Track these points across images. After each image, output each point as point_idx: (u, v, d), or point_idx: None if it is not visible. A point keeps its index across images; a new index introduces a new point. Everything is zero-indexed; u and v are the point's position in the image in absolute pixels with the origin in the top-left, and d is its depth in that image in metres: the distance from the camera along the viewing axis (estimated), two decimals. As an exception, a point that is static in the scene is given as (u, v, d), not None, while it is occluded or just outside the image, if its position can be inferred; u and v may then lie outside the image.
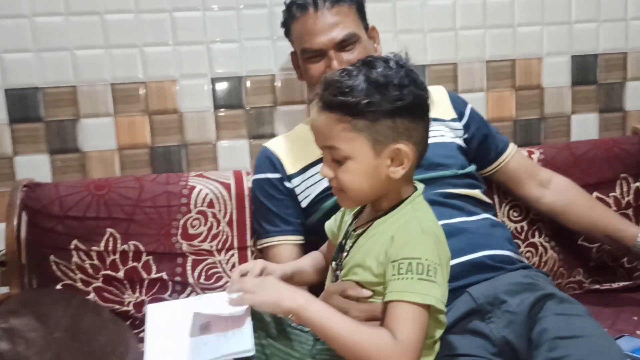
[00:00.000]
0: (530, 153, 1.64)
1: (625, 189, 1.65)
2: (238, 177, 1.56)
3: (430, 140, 1.03)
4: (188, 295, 1.49)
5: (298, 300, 0.93)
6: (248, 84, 1.68)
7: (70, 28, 1.58)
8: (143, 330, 1.45)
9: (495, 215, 1.40)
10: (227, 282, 1.51)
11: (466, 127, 1.50)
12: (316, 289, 1.15)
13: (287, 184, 1.44)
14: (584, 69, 1.82)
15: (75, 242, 1.45)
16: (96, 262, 1.46)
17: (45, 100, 1.60)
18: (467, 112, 1.52)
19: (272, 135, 1.67)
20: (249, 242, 1.53)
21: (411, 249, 0.94)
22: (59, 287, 1.45)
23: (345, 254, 1.05)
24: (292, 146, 1.47)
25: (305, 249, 1.44)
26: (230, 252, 1.52)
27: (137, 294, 1.48)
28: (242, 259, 1.53)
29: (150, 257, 1.48)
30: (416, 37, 1.73)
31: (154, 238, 1.48)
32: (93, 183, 1.50)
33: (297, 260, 1.23)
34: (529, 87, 1.81)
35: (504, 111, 1.80)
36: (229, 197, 1.52)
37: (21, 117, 1.59)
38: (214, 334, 0.97)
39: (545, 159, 1.64)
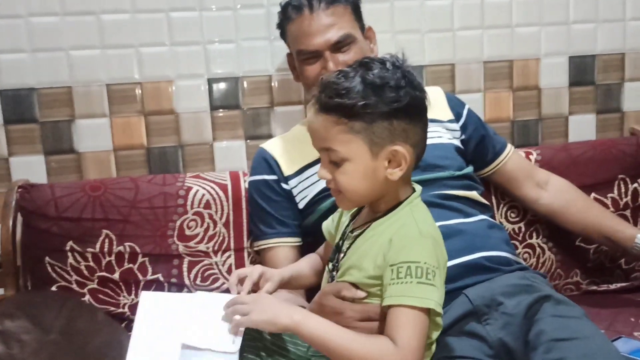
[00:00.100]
0: (528, 154, 1.64)
1: (623, 190, 1.65)
2: (235, 178, 1.55)
3: (427, 142, 1.02)
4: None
5: (294, 317, 0.92)
6: (245, 84, 1.67)
7: (66, 28, 1.57)
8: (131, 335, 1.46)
9: (493, 216, 1.40)
10: (223, 284, 1.51)
11: (463, 128, 1.50)
12: (314, 291, 1.14)
13: (283, 186, 1.43)
14: (582, 70, 1.82)
15: (70, 243, 1.44)
16: (91, 263, 1.45)
17: (41, 100, 1.59)
18: (465, 113, 1.52)
19: (269, 136, 1.67)
20: (246, 244, 1.52)
21: (410, 252, 0.93)
22: (54, 288, 1.45)
23: (342, 255, 1.05)
24: (288, 147, 1.47)
25: (303, 250, 1.43)
26: (227, 254, 1.51)
27: (132, 296, 1.47)
28: (239, 261, 1.52)
29: (146, 259, 1.47)
30: (414, 37, 1.72)
31: (150, 239, 1.47)
32: (88, 184, 1.49)
33: (295, 264, 1.22)
34: (526, 88, 1.80)
35: (502, 112, 1.80)
36: (225, 198, 1.51)
37: (16, 117, 1.58)
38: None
39: (543, 159, 1.63)
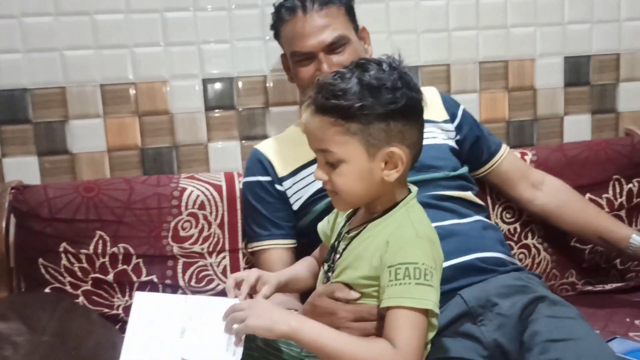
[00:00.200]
0: (523, 154, 1.64)
1: (618, 190, 1.65)
2: (229, 178, 1.54)
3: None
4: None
5: (291, 323, 0.92)
6: (240, 84, 1.67)
7: (60, 28, 1.56)
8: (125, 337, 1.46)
9: (488, 216, 1.40)
10: (218, 285, 1.50)
11: (458, 129, 1.50)
12: (308, 294, 1.13)
13: (278, 187, 1.43)
14: (577, 70, 1.82)
15: (64, 244, 1.43)
16: (85, 265, 1.44)
17: (34, 101, 1.58)
18: (460, 113, 1.52)
19: (263, 137, 1.66)
20: (241, 245, 1.52)
21: (407, 253, 0.93)
22: (47, 290, 1.44)
23: (337, 255, 1.05)
24: (283, 148, 1.46)
25: (297, 251, 1.43)
26: (222, 255, 1.51)
27: (126, 298, 1.46)
28: (234, 262, 1.51)
29: (140, 260, 1.46)
30: (409, 37, 1.72)
31: (144, 240, 1.47)
32: (82, 185, 1.48)
33: (291, 267, 1.22)
34: (521, 88, 1.80)
35: (497, 112, 1.80)
36: (220, 199, 1.51)
37: (9, 118, 1.57)
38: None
39: (538, 160, 1.63)
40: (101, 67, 1.60)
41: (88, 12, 1.57)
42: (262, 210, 1.43)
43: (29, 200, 1.43)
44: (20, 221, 1.44)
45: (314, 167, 1.36)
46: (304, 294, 1.18)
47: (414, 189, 1.04)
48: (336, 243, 1.07)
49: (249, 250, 1.48)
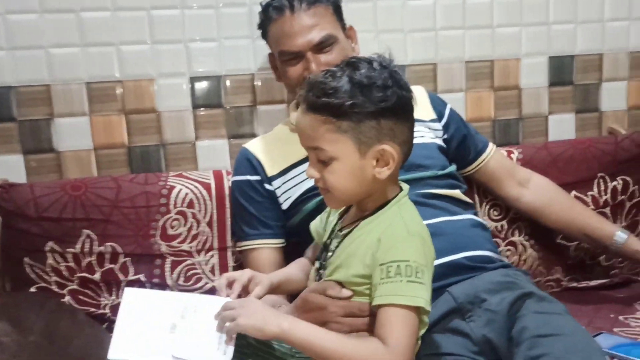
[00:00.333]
0: (509, 153, 1.65)
1: (602, 187, 1.67)
2: (218, 177, 1.54)
3: None
4: (167, 297, 1.47)
5: (282, 324, 0.92)
6: (227, 83, 1.66)
7: (45, 26, 1.55)
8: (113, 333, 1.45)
9: (476, 214, 1.41)
10: (206, 284, 1.50)
11: (445, 128, 1.51)
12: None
13: (267, 186, 1.42)
14: (561, 70, 1.84)
15: (50, 244, 1.42)
16: (72, 264, 1.43)
17: (19, 99, 1.56)
18: (447, 112, 1.53)
19: (252, 135, 1.66)
20: (229, 243, 1.51)
21: (399, 251, 0.94)
22: (33, 290, 1.42)
23: (330, 253, 1.05)
24: (272, 147, 1.46)
25: (287, 251, 1.43)
26: (210, 253, 1.51)
27: (113, 297, 1.45)
28: (222, 260, 1.51)
29: (128, 259, 1.46)
30: (396, 37, 1.73)
31: (132, 239, 1.46)
32: (69, 183, 1.47)
33: (284, 269, 1.22)
34: (507, 88, 1.82)
35: (483, 111, 1.81)
36: (209, 197, 1.50)
37: (-6, 116, 1.56)
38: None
39: (524, 158, 1.65)
40: (87, 65, 1.58)
41: (74, 10, 1.56)
42: (251, 209, 1.43)
43: (15, 199, 1.42)
44: (5, 220, 1.43)
45: (303, 167, 1.39)
46: (295, 296, 1.18)
47: (405, 187, 1.05)
48: (328, 241, 1.07)
49: (238, 249, 1.48)
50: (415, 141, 1.03)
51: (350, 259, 1.00)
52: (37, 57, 1.55)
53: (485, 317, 1.12)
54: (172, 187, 1.49)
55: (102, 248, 1.44)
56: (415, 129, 1.04)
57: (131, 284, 1.45)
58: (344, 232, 1.04)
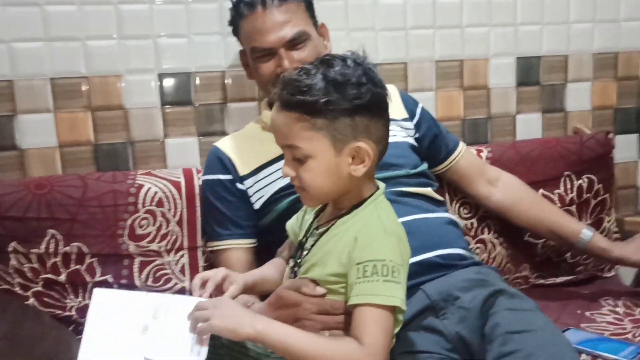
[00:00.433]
0: (479, 151, 1.67)
1: (568, 186, 1.70)
2: (188, 175, 1.51)
3: None
4: (135, 298, 1.44)
5: (257, 326, 0.91)
6: (197, 80, 1.64)
7: (8, 19, 1.49)
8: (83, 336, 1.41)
9: (448, 211, 1.42)
10: (176, 284, 1.47)
11: (417, 127, 1.51)
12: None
13: (239, 186, 1.41)
14: (528, 70, 1.87)
15: (13, 244, 1.37)
16: (36, 265, 1.39)
17: (-20, 94, 1.51)
18: (418, 111, 1.54)
19: (222, 133, 1.64)
20: (200, 243, 1.49)
21: (375, 250, 0.94)
22: (-5, 292, 1.38)
23: (305, 252, 1.04)
24: (243, 146, 1.44)
25: (258, 250, 1.42)
26: (180, 253, 1.48)
27: (80, 299, 1.42)
28: (193, 260, 1.49)
29: (95, 259, 1.42)
30: (367, 35, 1.73)
31: (99, 239, 1.42)
32: (33, 182, 1.43)
33: (259, 269, 1.20)
34: (476, 87, 1.84)
35: (453, 110, 1.83)
36: (179, 196, 1.48)
37: (-47, 112, 1.50)
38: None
39: (493, 157, 1.67)
40: (52, 60, 1.54)
41: (38, 3, 1.51)
42: (223, 209, 1.41)
43: (-24, 198, 1.37)
44: (-34, 220, 1.38)
45: (275, 166, 1.38)
46: (267, 296, 1.17)
47: (382, 185, 1.05)
48: (304, 240, 1.06)
49: (209, 249, 1.46)
50: (388, 140, 1.03)
51: (326, 257, 0.99)
52: (-2, 51, 1.50)
53: (459, 315, 1.13)
54: (141, 186, 1.46)
55: (67, 248, 1.40)
56: (388, 127, 1.03)
57: (98, 285, 1.41)
58: (321, 230, 1.03)
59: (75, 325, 1.40)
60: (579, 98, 1.93)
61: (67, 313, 1.41)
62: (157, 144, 1.63)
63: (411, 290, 1.14)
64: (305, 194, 1.00)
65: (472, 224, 1.64)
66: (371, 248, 0.94)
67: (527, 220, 1.56)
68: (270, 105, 1.47)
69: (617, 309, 1.47)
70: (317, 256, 1.01)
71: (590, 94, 1.93)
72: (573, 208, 1.70)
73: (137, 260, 1.45)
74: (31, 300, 1.39)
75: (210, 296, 1.02)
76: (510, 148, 1.71)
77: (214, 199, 1.42)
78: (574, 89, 1.92)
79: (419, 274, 1.18)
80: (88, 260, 1.42)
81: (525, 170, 1.66)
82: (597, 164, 1.72)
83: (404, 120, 1.49)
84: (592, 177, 1.72)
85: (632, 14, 1.92)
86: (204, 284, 1.03)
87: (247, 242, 1.41)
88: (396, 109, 1.49)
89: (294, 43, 1.37)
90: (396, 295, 0.93)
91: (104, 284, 1.42)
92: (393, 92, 1.51)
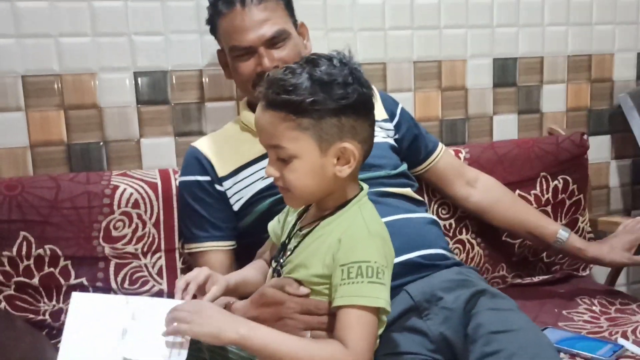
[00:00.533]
0: (457, 152, 1.68)
1: (544, 186, 1.73)
2: (165, 176, 1.48)
3: None
4: (111, 302, 1.41)
5: (240, 330, 0.90)
6: (174, 79, 1.61)
7: (-24, 14, 1.45)
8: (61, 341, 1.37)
9: (427, 212, 1.42)
10: (153, 287, 1.45)
11: (397, 127, 1.51)
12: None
13: (217, 187, 1.38)
14: (505, 72, 1.89)
15: (-17, 247, 1.33)
16: (7, 268, 1.35)
17: (-52, 92, 1.46)
18: (398, 112, 1.54)
19: (199, 133, 1.61)
20: (177, 244, 1.46)
21: (359, 252, 0.93)
22: (-36, 297, 1.33)
23: (289, 253, 1.03)
24: (222, 147, 1.42)
25: (238, 252, 1.40)
26: (157, 255, 1.45)
27: (54, 302, 1.38)
28: (170, 262, 1.46)
29: (69, 262, 1.38)
30: (346, 35, 1.73)
31: (73, 241, 1.39)
32: (3, 182, 1.38)
33: (241, 270, 1.19)
34: (454, 88, 1.85)
35: (431, 111, 1.84)
36: (155, 197, 1.45)
37: None
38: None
39: (471, 157, 1.68)
40: (23, 57, 1.50)
41: (8, -2, 1.47)
42: (201, 210, 1.38)
43: (-56, 200, 1.32)
44: None
45: (255, 167, 1.37)
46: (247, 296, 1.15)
47: (365, 186, 1.04)
48: (287, 241, 1.05)
49: (186, 251, 1.43)
50: (368, 141, 1.02)
51: (310, 258, 0.98)
52: (-33, 47, 1.46)
53: (442, 315, 1.13)
54: (116, 187, 1.43)
55: (40, 251, 1.36)
56: (370, 128, 1.02)
57: (73, 288, 1.38)
58: (304, 231, 1.02)
59: (49, 330, 1.37)
60: (554, 99, 1.96)
61: (41, 317, 1.37)
62: (132, 144, 1.60)
63: (394, 291, 1.13)
64: (290, 194, 0.98)
65: (450, 224, 1.64)
66: (356, 249, 0.94)
67: (505, 221, 1.58)
68: (249, 105, 1.46)
69: (593, 308, 1.50)
70: (301, 257, 1.00)
71: (565, 95, 1.96)
72: (549, 208, 1.72)
73: (113, 262, 1.42)
74: (3, 305, 1.34)
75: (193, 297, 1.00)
76: (488, 149, 1.72)
77: (192, 200, 1.40)
78: (549, 90, 1.95)
79: (401, 274, 1.18)
80: (62, 263, 1.38)
81: (502, 170, 1.68)
82: (572, 164, 1.75)
83: (384, 121, 1.48)
84: (568, 177, 1.74)
85: (604, 17, 1.95)
86: (187, 287, 1.01)
87: (226, 244, 1.39)
88: (376, 109, 1.46)
89: (274, 41, 1.35)
90: (381, 296, 0.93)
91: (79, 286, 1.39)
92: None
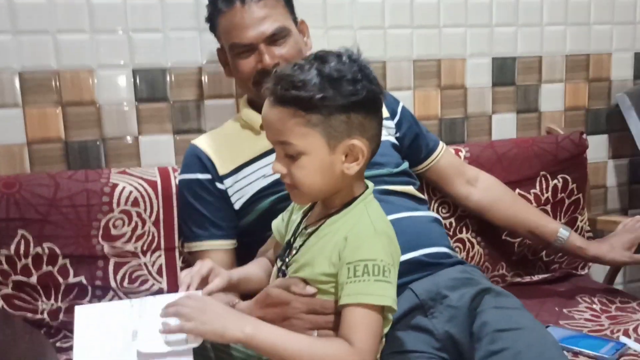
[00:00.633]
0: (457, 151, 1.68)
1: (544, 185, 1.73)
2: (164, 174, 1.47)
3: None
4: (110, 301, 1.39)
5: (245, 329, 0.89)
6: (172, 76, 1.60)
7: (-27, 10, 1.43)
8: (60, 339, 1.35)
9: (429, 209, 1.42)
10: (153, 286, 1.43)
11: (398, 126, 1.51)
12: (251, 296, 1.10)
13: (218, 185, 1.37)
14: (504, 71, 1.89)
15: (-20, 245, 1.31)
16: (5, 266, 1.33)
17: (-57, 88, 1.44)
18: (399, 110, 1.53)
19: (198, 131, 1.60)
20: (177, 243, 1.45)
21: (366, 250, 0.93)
22: (-39, 296, 1.31)
23: (294, 252, 1.02)
24: (222, 145, 1.41)
25: (238, 251, 1.39)
26: (157, 254, 1.44)
27: (52, 301, 1.36)
28: (169, 261, 1.45)
29: (67, 260, 1.37)
30: (346, 33, 1.72)
31: (72, 240, 1.37)
32: (1, 181, 1.36)
33: (244, 267, 1.17)
34: (453, 87, 1.85)
35: (430, 110, 1.83)
36: (155, 196, 1.43)
37: None
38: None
39: (471, 156, 1.68)
40: (20, 53, 1.48)
41: (5, -6, 1.45)
42: (202, 209, 1.37)
43: (-60, 197, 1.30)
44: None
45: (256, 165, 1.36)
46: (250, 296, 1.14)
47: (371, 184, 1.03)
48: (292, 239, 1.04)
49: (187, 250, 1.42)
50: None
51: (316, 257, 0.97)
52: (-37, 43, 1.44)
53: (447, 313, 1.12)
54: (115, 185, 1.41)
55: (38, 249, 1.34)
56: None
57: (71, 287, 1.37)
58: (310, 230, 1.01)
59: (47, 329, 1.35)
60: (552, 99, 1.96)
61: (39, 316, 1.35)
62: (130, 142, 1.59)
63: (399, 290, 1.12)
64: (297, 192, 0.97)
65: (450, 223, 1.64)
66: (362, 248, 0.93)
67: (505, 220, 1.57)
68: (250, 103, 1.45)
69: (594, 306, 1.50)
70: (307, 256, 0.99)
71: (562, 94, 1.97)
72: (548, 207, 1.73)
73: (112, 261, 1.40)
74: (1, 304, 1.33)
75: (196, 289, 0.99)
76: (487, 147, 1.72)
77: (193, 199, 1.38)
78: (548, 89, 1.95)
79: (406, 272, 1.17)
80: (61, 261, 1.36)
81: (502, 169, 1.68)
82: (571, 164, 1.75)
83: (386, 119, 1.47)
84: (567, 177, 1.75)
85: (602, 17, 1.96)
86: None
87: (227, 243, 1.38)
88: (378, 107, 1.48)
89: (274, 38, 1.34)
90: (387, 294, 0.92)
91: (78, 285, 1.37)
92: (375, 91, 1.51)
